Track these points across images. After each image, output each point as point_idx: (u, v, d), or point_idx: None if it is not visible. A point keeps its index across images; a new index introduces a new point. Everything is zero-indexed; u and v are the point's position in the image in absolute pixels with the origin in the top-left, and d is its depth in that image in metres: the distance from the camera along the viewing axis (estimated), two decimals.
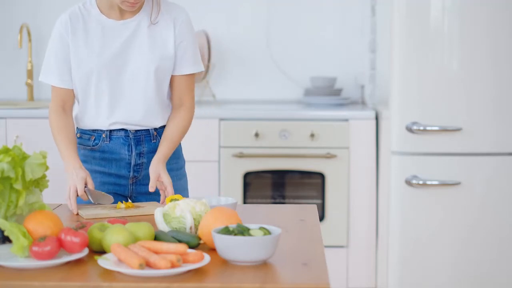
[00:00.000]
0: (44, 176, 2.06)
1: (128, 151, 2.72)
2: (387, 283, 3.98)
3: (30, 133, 4.26)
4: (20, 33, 4.59)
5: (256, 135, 4.25)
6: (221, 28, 4.80)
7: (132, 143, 2.72)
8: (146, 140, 2.74)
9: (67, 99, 2.72)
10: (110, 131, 2.72)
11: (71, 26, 2.69)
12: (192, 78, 2.78)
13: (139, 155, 2.73)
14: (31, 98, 4.74)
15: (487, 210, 3.88)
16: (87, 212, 2.45)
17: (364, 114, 4.28)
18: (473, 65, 3.84)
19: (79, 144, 2.76)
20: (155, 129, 2.75)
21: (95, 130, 2.73)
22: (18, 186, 1.98)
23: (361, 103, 4.76)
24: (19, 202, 2.00)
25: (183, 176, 2.87)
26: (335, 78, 4.69)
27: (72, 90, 2.72)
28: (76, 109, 2.76)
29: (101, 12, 2.70)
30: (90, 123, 2.73)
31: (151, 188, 2.60)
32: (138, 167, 2.75)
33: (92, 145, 2.74)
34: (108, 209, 2.50)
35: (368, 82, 4.66)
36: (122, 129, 2.72)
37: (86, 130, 2.75)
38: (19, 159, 1.99)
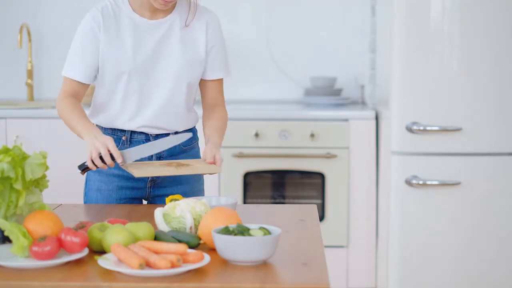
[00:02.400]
0: (44, 176, 2.06)
1: (148, 155, 2.64)
2: (387, 283, 3.98)
3: (30, 133, 4.26)
4: (20, 33, 4.59)
5: (256, 135, 4.25)
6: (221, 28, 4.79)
7: None
8: None
9: (81, 92, 2.70)
10: (131, 133, 2.67)
11: (103, 23, 2.63)
12: (222, 81, 2.76)
13: (159, 159, 2.68)
14: (31, 98, 4.74)
15: (487, 210, 3.88)
16: (139, 170, 2.41)
17: (364, 114, 4.28)
18: (473, 65, 3.83)
19: None
20: (176, 132, 2.70)
21: (115, 130, 2.68)
22: (18, 186, 1.98)
23: (361, 103, 4.76)
24: (19, 202, 2.00)
25: (201, 177, 2.85)
26: (335, 78, 4.69)
27: (88, 85, 2.69)
28: (94, 104, 2.73)
29: (133, 10, 2.64)
30: (110, 121, 2.68)
31: (211, 159, 2.54)
32: None
33: None
34: (158, 166, 2.44)
35: (368, 82, 4.66)
36: (143, 133, 2.67)
37: (104, 128, 2.70)
38: (19, 159, 2.00)
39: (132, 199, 2.71)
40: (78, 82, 2.67)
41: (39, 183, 2.07)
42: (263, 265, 1.88)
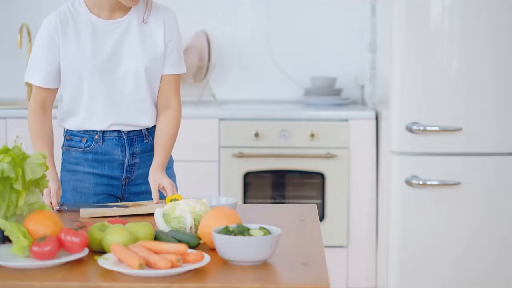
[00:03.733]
0: (44, 176, 2.06)
1: (122, 152, 2.72)
2: (387, 283, 3.98)
3: None
4: (20, 33, 4.59)
5: (256, 135, 4.25)
6: (221, 28, 4.80)
7: (126, 144, 2.72)
8: (138, 140, 2.74)
9: (48, 99, 2.70)
10: (104, 132, 2.71)
11: (61, 27, 2.65)
12: (178, 78, 2.78)
13: (132, 155, 2.73)
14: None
15: (487, 210, 3.88)
16: (88, 211, 2.46)
17: (364, 114, 4.28)
18: (473, 65, 3.83)
19: (69, 146, 2.76)
20: (147, 129, 2.75)
21: (87, 131, 2.72)
22: (18, 186, 1.98)
23: (361, 103, 4.76)
24: (19, 202, 2.00)
25: (172, 175, 2.86)
26: (335, 78, 4.69)
27: (55, 90, 2.70)
28: (63, 109, 2.74)
29: (90, 11, 2.68)
30: (81, 124, 2.72)
31: (155, 199, 2.59)
32: (131, 167, 2.74)
33: (84, 147, 2.73)
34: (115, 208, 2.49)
35: (368, 82, 4.66)
36: (115, 130, 2.71)
37: (76, 131, 2.74)
38: (19, 159, 2.00)
39: (108, 195, 2.74)
40: (44, 88, 2.68)
41: (39, 183, 2.07)
42: (263, 265, 1.88)
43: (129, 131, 2.72)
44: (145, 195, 2.75)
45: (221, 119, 4.26)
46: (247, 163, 4.27)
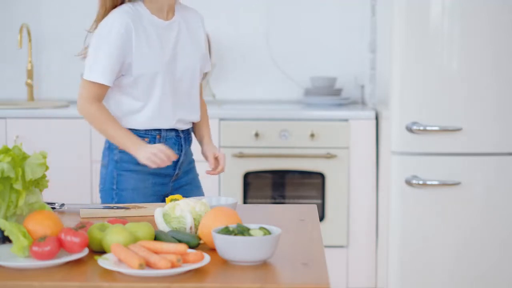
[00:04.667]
0: (44, 176, 2.06)
1: (179, 150, 2.82)
2: (387, 283, 3.98)
3: (30, 133, 4.26)
4: (20, 33, 4.59)
5: (256, 135, 4.25)
6: (221, 28, 4.80)
7: (182, 142, 2.83)
8: (189, 137, 2.88)
9: (102, 96, 2.75)
10: (166, 131, 2.79)
11: (134, 27, 2.70)
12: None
13: (185, 153, 2.86)
14: (31, 98, 4.74)
15: (487, 210, 3.88)
16: (88, 211, 2.46)
17: (364, 114, 4.28)
18: (473, 65, 3.83)
19: None
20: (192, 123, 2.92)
21: (148, 130, 2.77)
22: (18, 186, 1.98)
23: (361, 103, 4.76)
24: (19, 202, 2.00)
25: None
26: (335, 78, 4.69)
27: (108, 88, 2.74)
28: (122, 108, 2.76)
29: (151, 13, 2.76)
30: (149, 123, 2.76)
31: (212, 166, 2.84)
32: (181, 164, 2.85)
33: None
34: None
35: (368, 82, 4.66)
36: (173, 129, 2.80)
37: (137, 131, 2.76)
38: (19, 159, 2.00)
39: (162, 195, 2.84)
40: (104, 85, 2.72)
41: (39, 183, 2.07)
42: (263, 265, 1.88)
43: (183, 130, 2.84)
44: (186, 186, 2.87)
45: (221, 119, 4.26)
46: (247, 163, 4.27)
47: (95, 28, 2.77)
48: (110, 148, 2.80)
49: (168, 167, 2.75)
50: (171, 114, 2.77)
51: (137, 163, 2.73)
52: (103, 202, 2.78)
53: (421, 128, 3.85)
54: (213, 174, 2.88)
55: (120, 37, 2.68)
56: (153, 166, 2.65)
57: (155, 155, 2.63)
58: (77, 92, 2.76)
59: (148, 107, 2.75)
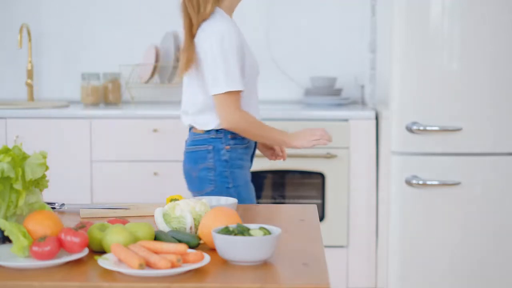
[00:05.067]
0: (44, 176, 2.06)
1: (255, 143, 3.09)
2: (387, 283, 3.98)
3: (30, 133, 4.26)
4: (20, 33, 4.59)
5: None
6: None
7: None
8: None
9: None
10: None
11: (239, 32, 2.91)
12: None
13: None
14: (31, 98, 4.74)
15: (487, 210, 3.88)
16: (88, 211, 2.46)
17: (364, 114, 4.28)
18: (473, 65, 3.84)
19: (234, 144, 2.94)
20: None
21: None
22: (18, 186, 1.98)
23: (361, 103, 4.76)
24: (19, 202, 2.00)
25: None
26: (335, 78, 4.69)
27: None
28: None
29: (231, 18, 3.00)
30: None
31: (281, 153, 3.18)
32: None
33: (245, 144, 3.01)
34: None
35: (368, 82, 4.66)
36: None
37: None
38: (19, 159, 1.99)
39: None
40: (241, 92, 2.91)
41: (39, 183, 2.07)
42: (263, 265, 1.88)
43: None
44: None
45: None
46: None
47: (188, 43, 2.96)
48: (215, 150, 2.93)
49: (248, 160, 3.04)
50: (257, 112, 3.00)
51: (242, 159, 2.92)
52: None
53: (421, 128, 3.85)
54: (281, 159, 3.17)
55: (239, 44, 2.84)
56: (314, 145, 2.97)
57: (322, 136, 2.98)
58: (221, 108, 2.86)
59: (250, 107, 2.93)
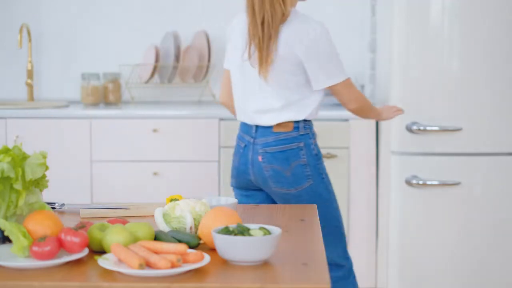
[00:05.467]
0: (44, 176, 2.06)
1: None
2: (387, 283, 3.98)
3: (30, 133, 4.26)
4: (20, 33, 4.59)
5: None
6: (221, 28, 4.80)
7: None
8: None
9: None
10: None
11: None
12: None
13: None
14: (31, 98, 4.74)
15: (487, 210, 3.88)
16: (88, 211, 2.46)
17: None
18: (473, 65, 3.84)
19: (315, 138, 3.12)
20: None
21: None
22: (18, 186, 1.98)
23: None
24: (19, 202, 2.00)
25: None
26: None
27: None
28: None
29: None
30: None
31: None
32: None
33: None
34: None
35: (368, 82, 4.66)
36: None
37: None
38: (19, 159, 1.99)
39: None
40: None
41: (39, 183, 2.07)
42: (263, 265, 1.88)
43: None
44: None
45: (221, 119, 4.26)
46: None
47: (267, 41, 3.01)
48: (306, 146, 3.03)
49: None
50: None
51: (320, 151, 3.11)
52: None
53: (421, 128, 3.85)
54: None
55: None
56: (395, 116, 3.33)
57: (398, 109, 3.32)
58: (348, 92, 3.09)
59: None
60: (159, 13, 4.79)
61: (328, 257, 3.00)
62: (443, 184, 3.87)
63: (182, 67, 4.63)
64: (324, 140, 4.25)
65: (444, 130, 3.85)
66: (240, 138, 3.19)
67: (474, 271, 3.90)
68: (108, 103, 4.63)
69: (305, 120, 3.06)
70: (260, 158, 3.07)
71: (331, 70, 3.02)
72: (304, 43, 3.00)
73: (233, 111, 3.26)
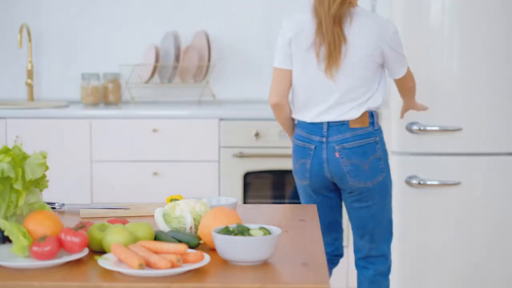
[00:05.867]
0: (44, 176, 2.06)
1: None
2: None
3: (30, 133, 4.26)
4: (20, 33, 4.59)
5: (256, 135, 4.25)
6: (221, 28, 4.80)
7: None
8: None
9: None
10: None
11: None
12: None
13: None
14: (31, 98, 4.74)
15: (487, 210, 3.88)
16: (88, 211, 2.46)
17: None
18: (473, 65, 3.83)
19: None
20: None
21: None
22: (18, 186, 1.98)
23: None
24: (19, 202, 2.00)
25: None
26: None
27: None
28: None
29: None
30: None
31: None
32: None
33: None
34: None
35: None
36: None
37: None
38: (19, 159, 1.99)
39: None
40: None
41: (39, 183, 2.06)
42: (263, 265, 1.88)
43: None
44: None
45: (221, 119, 4.26)
46: (247, 163, 4.27)
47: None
48: (381, 140, 3.20)
49: None
50: None
51: None
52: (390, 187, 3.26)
53: (421, 128, 3.85)
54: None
55: None
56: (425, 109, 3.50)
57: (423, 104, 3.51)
58: (412, 78, 3.31)
59: None
60: (159, 13, 4.79)
61: (376, 249, 3.29)
62: (443, 184, 3.87)
63: (182, 67, 4.63)
64: None
65: (444, 130, 3.85)
66: (304, 139, 3.22)
67: (474, 271, 3.90)
68: (108, 103, 4.63)
69: (375, 115, 3.20)
70: (337, 154, 3.15)
71: (403, 59, 3.24)
72: (386, 36, 3.16)
73: (286, 111, 3.28)
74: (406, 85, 3.36)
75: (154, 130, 4.26)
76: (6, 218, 2.01)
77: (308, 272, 1.84)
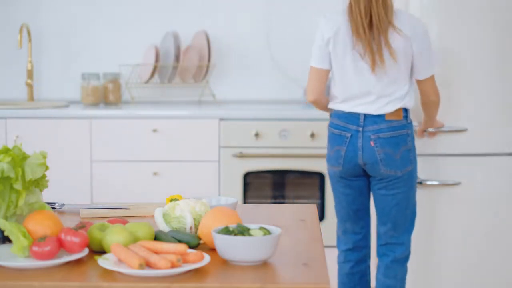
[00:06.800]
0: (44, 176, 2.06)
1: None
2: None
3: (30, 133, 4.26)
4: (20, 33, 4.59)
5: (256, 135, 4.25)
6: (221, 28, 4.80)
7: None
8: None
9: None
10: None
11: None
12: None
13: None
14: (31, 98, 4.74)
15: (487, 210, 3.88)
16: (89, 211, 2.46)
17: None
18: (475, 66, 3.83)
19: None
20: None
21: None
22: (18, 186, 1.98)
23: None
24: (19, 202, 2.00)
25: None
26: None
27: None
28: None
29: None
30: None
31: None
32: None
33: None
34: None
35: None
36: None
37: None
38: (19, 159, 2.00)
39: None
40: None
41: (39, 183, 2.06)
42: (263, 265, 1.88)
43: None
44: None
45: (221, 119, 4.26)
46: (247, 163, 4.27)
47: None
48: (411, 133, 3.39)
49: None
50: None
51: None
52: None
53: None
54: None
55: None
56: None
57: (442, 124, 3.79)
58: (434, 85, 3.45)
59: None
60: (159, 13, 4.79)
61: (397, 237, 3.47)
62: (443, 184, 3.87)
63: (182, 67, 4.63)
64: (324, 140, 4.25)
65: (444, 130, 3.85)
66: (341, 128, 3.42)
67: (474, 271, 3.90)
68: (108, 103, 4.64)
69: (409, 111, 3.40)
70: (372, 143, 3.35)
71: (432, 61, 3.39)
72: (417, 35, 3.31)
73: (323, 104, 3.53)
74: (429, 97, 3.49)
75: (154, 130, 4.26)
76: (6, 218, 2.01)
77: (308, 272, 1.84)
